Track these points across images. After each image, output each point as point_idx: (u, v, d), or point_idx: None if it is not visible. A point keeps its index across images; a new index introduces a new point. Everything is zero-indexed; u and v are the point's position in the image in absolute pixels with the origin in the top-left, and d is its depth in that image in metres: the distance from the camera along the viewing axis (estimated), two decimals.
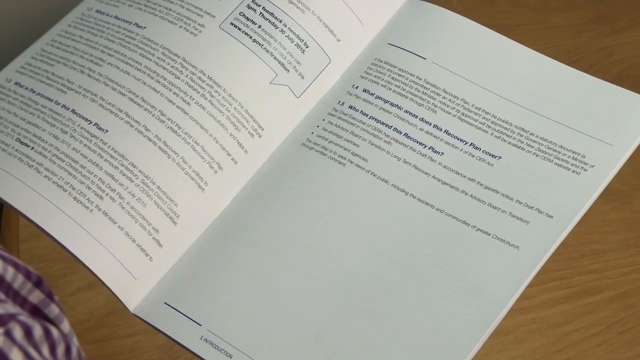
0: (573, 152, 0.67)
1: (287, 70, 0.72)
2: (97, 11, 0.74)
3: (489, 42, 0.75)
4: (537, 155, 0.68)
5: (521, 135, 0.69)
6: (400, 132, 0.70)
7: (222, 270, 0.58)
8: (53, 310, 0.45)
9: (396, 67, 0.73)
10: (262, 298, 0.64)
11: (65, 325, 0.45)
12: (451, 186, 0.67)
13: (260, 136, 0.70)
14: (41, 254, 0.76)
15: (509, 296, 0.62)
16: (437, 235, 0.65)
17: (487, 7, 0.94)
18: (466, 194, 0.67)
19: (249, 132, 0.69)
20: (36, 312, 0.44)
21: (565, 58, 0.89)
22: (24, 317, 0.41)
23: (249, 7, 0.73)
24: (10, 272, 0.42)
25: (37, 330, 0.42)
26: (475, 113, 0.70)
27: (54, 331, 0.43)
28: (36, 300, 0.44)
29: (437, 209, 0.66)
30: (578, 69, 0.73)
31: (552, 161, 0.67)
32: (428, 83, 0.72)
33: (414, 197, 0.67)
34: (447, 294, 0.62)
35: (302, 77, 0.72)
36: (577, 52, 0.88)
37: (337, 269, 0.65)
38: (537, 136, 0.69)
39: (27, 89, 0.69)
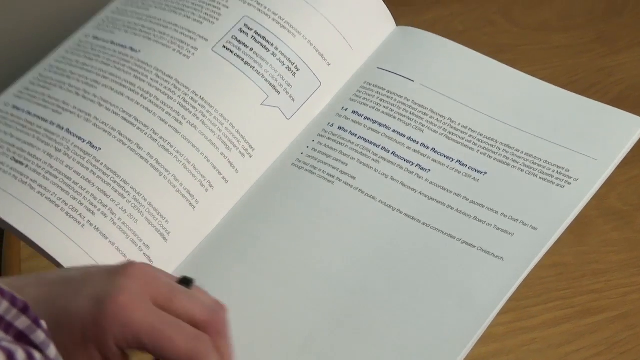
0: (557, 167, 0.69)
1: (278, 92, 0.72)
2: (94, 37, 0.75)
3: (476, 64, 0.76)
4: (522, 170, 0.69)
5: (506, 152, 0.70)
6: (388, 151, 0.71)
7: (212, 286, 0.59)
8: (39, 336, 0.45)
9: (385, 89, 0.74)
10: (251, 312, 0.64)
11: (52, 351, 0.45)
12: (437, 201, 0.68)
13: (250, 156, 0.70)
14: None
15: (493, 305, 0.63)
16: (423, 248, 0.66)
17: (488, 27, 0.94)
18: (452, 208, 0.68)
19: (239, 151, 0.70)
20: (22, 337, 0.45)
21: (565, 78, 0.89)
22: (6, 343, 0.42)
23: (241, 30, 0.74)
24: None
25: (20, 355, 0.42)
26: (461, 131, 0.71)
27: (37, 356, 0.44)
28: (22, 326, 0.45)
29: (424, 223, 0.67)
30: (578, 89, 0.73)
31: (536, 175, 0.68)
32: (415, 104, 0.74)
33: (400, 212, 0.68)
34: (432, 305, 0.63)
35: (293, 100, 0.73)
36: (577, 72, 0.88)
37: (326, 282, 0.65)
38: (522, 152, 0.70)
39: (23, 111, 0.70)
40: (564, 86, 0.73)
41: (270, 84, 0.73)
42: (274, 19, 0.74)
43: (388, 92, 0.74)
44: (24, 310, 0.45)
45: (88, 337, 0.50)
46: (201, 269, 0.66)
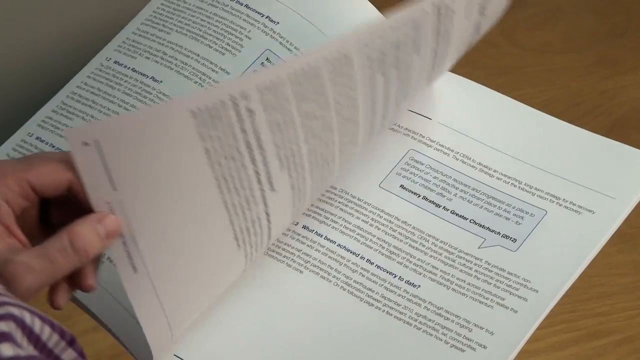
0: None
1: None
2: (115, 62, 0.75)
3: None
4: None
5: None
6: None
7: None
8: None
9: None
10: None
11: None
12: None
13: None
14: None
15: None
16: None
17: (491, 49, 0.94)
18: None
19: None
20: None
21: (569, 100, 0.89)
22: None
23: (262, 64, 0.74)
24: (46, 332, 0.44)
25: None
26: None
27: None
28: (68, 359, 0.46)
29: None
30: (582, 111, 0.73)
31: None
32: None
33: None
34: None
35: None
36: (581, 95, 0.88)
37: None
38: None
39: (47, 143, 0.71)
40: (568, 108, 0.73)
41: None
42: (295, 54, 0.74)
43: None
44: (71, 343, 0.46)
45: None
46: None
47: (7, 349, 0.41)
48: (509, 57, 0.93)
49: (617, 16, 0.97)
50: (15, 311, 0.42)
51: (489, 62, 0.93)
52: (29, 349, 0.43)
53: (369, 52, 0.62)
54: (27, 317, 0.43)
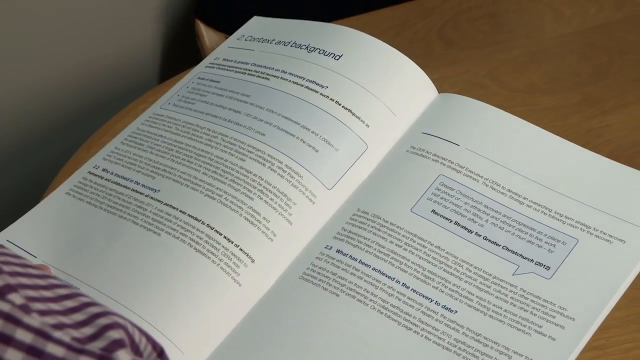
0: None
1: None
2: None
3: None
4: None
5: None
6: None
7: None
8: None
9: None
10: None
11: None
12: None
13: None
14: None
15: None
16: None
17: (477, 90, 0.95)
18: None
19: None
20: None
21: None
22: None
23: None
24: (143, 342, 0.46)
25: None
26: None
27: None
28: None
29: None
30: None
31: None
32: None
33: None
34: None
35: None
36: (567, 134, 0.89)
37: None
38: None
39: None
40: None
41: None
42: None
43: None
44: (161, 354, 0.47)
45: None
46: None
47: (124, 356, 0.43)
48: (496, 97, 0.94)
49: (599, 58, 0.99)
50: (120, 321, 0.44)
51: None
52: (136, 358, 0.45)
53: None
54: (129, 327, 0.45)
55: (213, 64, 0.87)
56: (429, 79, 0.85)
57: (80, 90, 1.14)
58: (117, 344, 0.44)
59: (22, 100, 1.10)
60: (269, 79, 0.82)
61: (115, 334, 0.44)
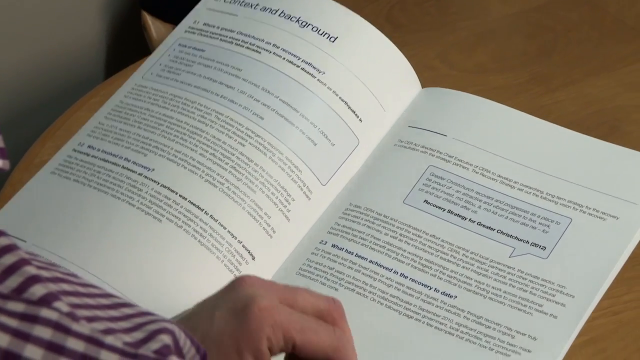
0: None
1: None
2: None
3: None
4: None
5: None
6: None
7: None
8: None
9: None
10: None
11: None
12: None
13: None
14: None
15: None
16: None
17: (428, 71, 0.96)
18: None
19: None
20: None
21: None
22: None
23: None
24: (187, 345, 0.46)
25: None
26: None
27: None
28: None
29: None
30: None
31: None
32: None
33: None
34: None
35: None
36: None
37: None
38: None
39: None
40: None
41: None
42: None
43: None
44: (203, 358, 0.47)
45: (243, 347, 0.52)
46: None
47: None
48: (446, 79, 0.95)
49: (544, 36, 1.00)
50: (168, 326, 0.44)
51: (428, 85, 0.95)
52: None
53: None
54: (176, 330, 0.44)
55: (193, 28, 0.81)
56: (415, 74, 0.84)
57: (25, 86, 1.12)
58: (169, 349, 0.43)
59: None
60: (260, 53, 0.76)
61: (166, 339, 0.43)
